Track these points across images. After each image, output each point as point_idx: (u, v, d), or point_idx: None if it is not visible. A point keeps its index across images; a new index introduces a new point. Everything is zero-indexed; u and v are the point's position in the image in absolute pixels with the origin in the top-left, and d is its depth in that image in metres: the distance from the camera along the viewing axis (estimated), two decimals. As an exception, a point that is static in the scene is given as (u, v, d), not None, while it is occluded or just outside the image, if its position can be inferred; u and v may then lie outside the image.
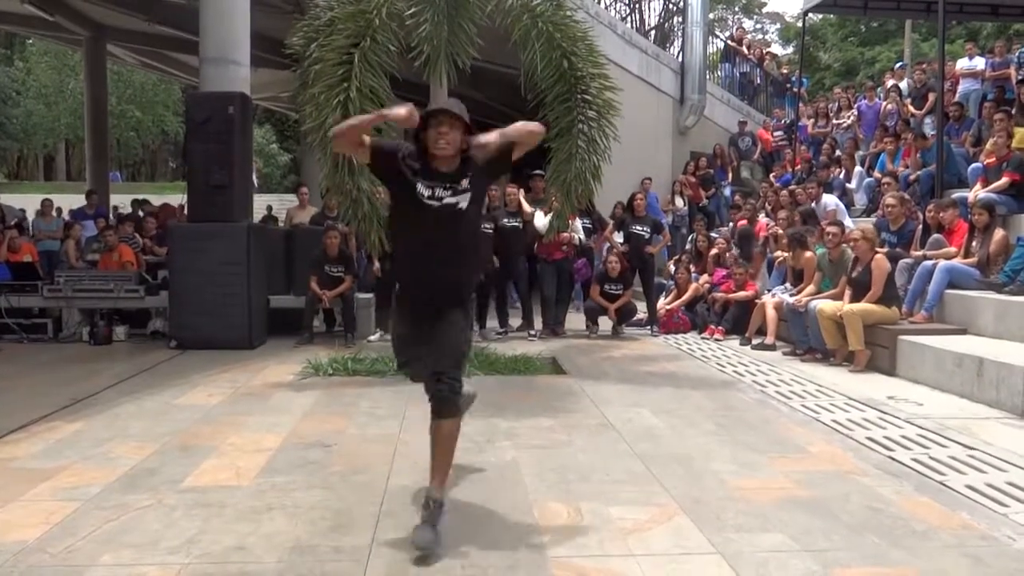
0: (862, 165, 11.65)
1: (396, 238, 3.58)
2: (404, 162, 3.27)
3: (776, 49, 36.06)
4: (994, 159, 8.29)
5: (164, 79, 33.48)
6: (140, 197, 16.88)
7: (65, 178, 41.73)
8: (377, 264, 8.65)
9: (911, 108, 12.14)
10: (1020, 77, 11.15)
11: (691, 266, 9.99)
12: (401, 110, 3.20)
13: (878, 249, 7.32)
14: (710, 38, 16.27)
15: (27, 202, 15.44)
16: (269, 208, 20.73)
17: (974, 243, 7.34)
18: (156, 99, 39.34)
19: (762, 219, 10.72)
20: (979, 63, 12.17)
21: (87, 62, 18.63)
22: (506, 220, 8.93)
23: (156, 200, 14.43)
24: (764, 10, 50.09)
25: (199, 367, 7.05)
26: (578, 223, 9.34)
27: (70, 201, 14.34)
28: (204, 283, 8.02)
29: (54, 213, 13.20)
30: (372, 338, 8.73)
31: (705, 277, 9.74)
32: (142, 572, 2.90)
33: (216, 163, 8.18)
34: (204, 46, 8.61)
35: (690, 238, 11.13)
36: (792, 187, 11.24)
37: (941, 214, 7.81)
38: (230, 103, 8.22)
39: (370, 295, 9.14)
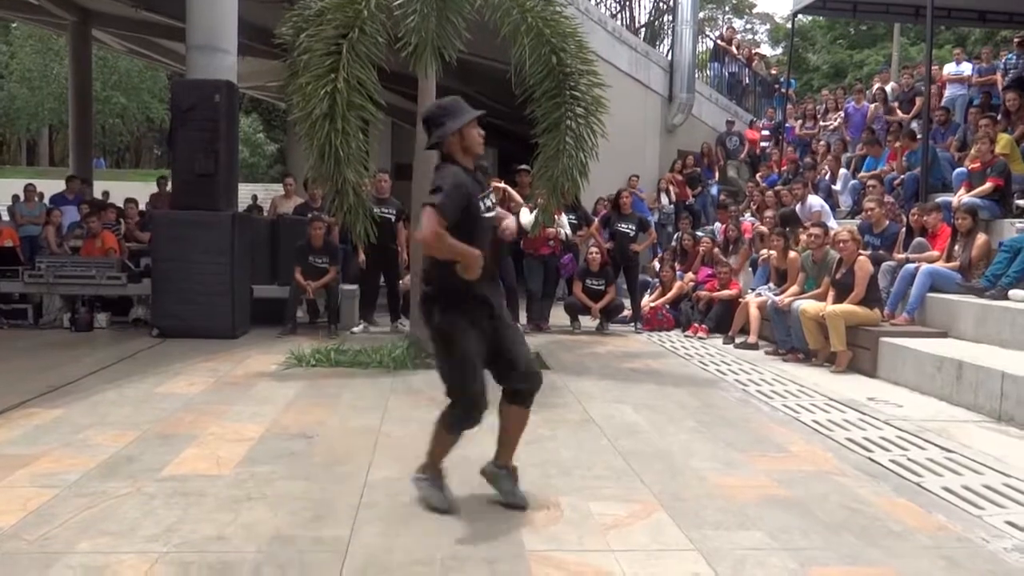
0: (847, 167, 11.71)
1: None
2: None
3: (765, 50, 36.22)
4: (978, 164, 8.35)
5: (150, 66, 33.21)
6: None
7: (48, 164, 41.35)
8: (363, 256, 8.62)
9: (899, 112, 12.21)
10: (1006, 83, 11.23)
11: (676, 264, 10.02)
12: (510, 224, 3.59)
13: (861, 251, 7.37)
14: (700, 37, 16.26)
15: (9, 187, 15.25)
16: (254, 197, 20.68)
17: (956, 247, 7.39)
18: (142, 86, 39.03)
19: (747, 219, 10.77)
20: (966, 68, 12.25)
21: (72, 47, 18.44)
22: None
23: (140, 187, 14.26)
24: (754, 10, 50.34)
25: (181, 356, 7.01)
26: (564, 218, 9.35)
27: (53, 187, 14.16)
28: (187, 271, 7.98)
29: (36, 198, 13.05)
30: (356, 329, 8.71)
31: (690, 275, 9.78)
32: (119, 560, 2.89)
33: (201, 151, 8.13)
34: (191, 33, 8.55)
35: (675, 236, 11.16)
36: (778, 188, 11.29)
37: (925, 217, 7.86)
38: (216, 91, 8.17)
39: (354, 287, 9.11)
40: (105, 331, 8.57)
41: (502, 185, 9.25)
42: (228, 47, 8.52)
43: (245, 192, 19.54)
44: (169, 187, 13.25)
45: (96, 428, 4.63)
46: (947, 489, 3.85)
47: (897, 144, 10.41)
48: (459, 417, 3.39)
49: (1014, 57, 11.61)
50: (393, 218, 8.74)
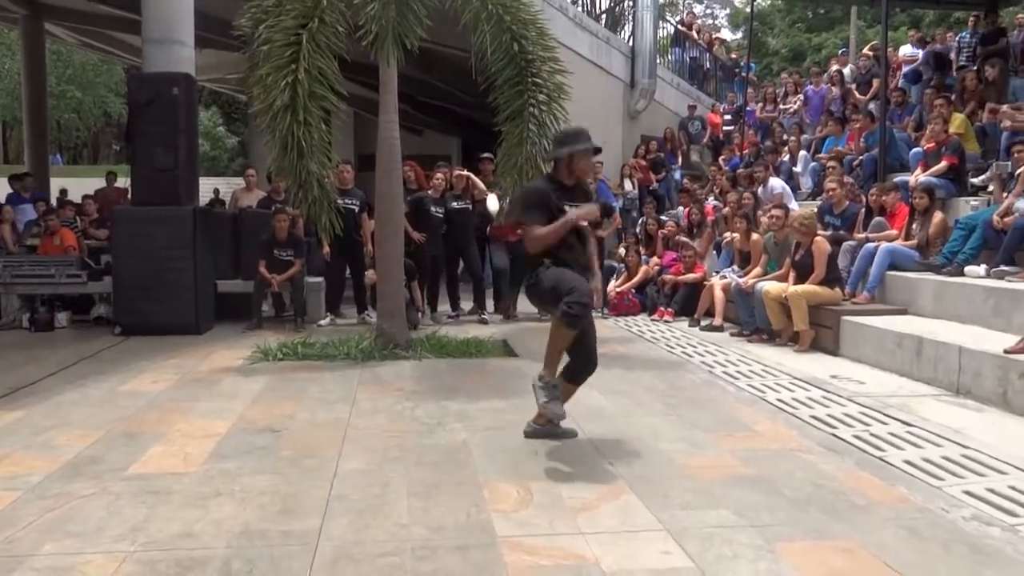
0: (808, 150, 11.84)
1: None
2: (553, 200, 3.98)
3: (725, 34, 36.35)
4: (933, 144, 8.48)
5: (105, 59, 32.57)
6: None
7: (2, 161, 40.43)
8: (327, 248, 8.55)
9: (856, 94, 12.36)
10: (959, 64, 11.41)
11: (641, 249, 10.07)
12: (582, 211, 3.93)
13: (820, 232, 7.47)
14: (660, 22, 16.30)
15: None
16: (216, 191, 20.41)
17: (914, 226, 7.52)
18: (97, 79, 38.17)
19: (711, 202, 10.85)
20: (920, 53, 12.41)
21: (24, 41, 17.98)
22: (455, 203, 8.91)
23: (98, 183, 14.03)
24: (713, -5, 50.42)
25: (145, 353, 6.93)
26: (493, 198, 9.30)
27: (8, 185, 13.84)
28: (149, 268, 7.87)
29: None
30: (322, 322, 8.65)
31: (655, 259, 9.84)
32: (86, 561, 2.86)
33: (161, 145, 8.02)
34: (147, 26, 8.40)
35: (640, 221, 11.22)
36: (740, 170, 11.38)
37: (883, 197, 7.98)
38: (174, 84, 8.05)
39: (319, 279, 9.04)
40: (66, 330, 8.43)
41: (465, 174, 9.24)
42: (185, 39, 8.39)
43: (207, 186, 19.28)
44: (118, 182, 13.13)
45: (59, 429, 4.57)
46: (908, 462, 3.94)
47: (856, 125, 10.55)
48: (578, 310, 3.76)
49: (967, 35, 11.79)
50: (356, 209, 8.68)
